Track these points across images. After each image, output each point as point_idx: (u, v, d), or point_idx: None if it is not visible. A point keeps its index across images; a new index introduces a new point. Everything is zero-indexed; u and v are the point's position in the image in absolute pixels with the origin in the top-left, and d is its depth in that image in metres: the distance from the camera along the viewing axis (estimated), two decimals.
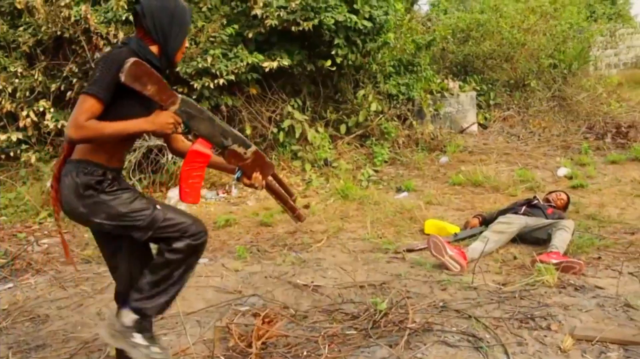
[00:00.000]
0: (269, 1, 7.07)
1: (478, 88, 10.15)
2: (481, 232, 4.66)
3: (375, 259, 4.44)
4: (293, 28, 7.14)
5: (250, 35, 7.29)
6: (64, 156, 2.47)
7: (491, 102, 10.18)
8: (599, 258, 4.21)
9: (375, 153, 7.77)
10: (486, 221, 4.98)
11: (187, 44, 2.62)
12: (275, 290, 3.93)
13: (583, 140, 8.52)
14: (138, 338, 2.47)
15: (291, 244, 5.00)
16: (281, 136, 7.55)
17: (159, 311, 2.55)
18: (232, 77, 7.03)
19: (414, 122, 8.67)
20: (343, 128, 8.23)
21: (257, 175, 2.63)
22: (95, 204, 2.38)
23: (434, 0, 20.52)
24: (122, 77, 2.25)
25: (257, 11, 7.07)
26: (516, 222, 4.64)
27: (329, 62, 7.59)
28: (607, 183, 6.56)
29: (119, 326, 2.47)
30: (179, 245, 2.45)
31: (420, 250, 4.56)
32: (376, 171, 7.41)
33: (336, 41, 7.42)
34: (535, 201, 5.03)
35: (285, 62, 7.29)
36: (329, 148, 7.74)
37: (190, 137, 3.01)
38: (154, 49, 2.45)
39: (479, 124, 9.56)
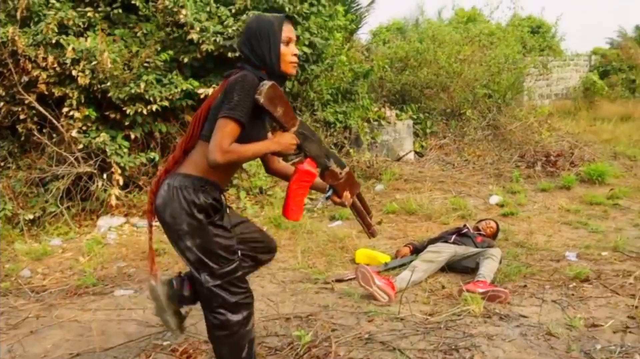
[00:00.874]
0: (205, 26, 7.00)
1: (415, 116, 10.31)
2: (411, 261, 4.66)
3: (304, 290, 4.36)
4: (229, 54, 7.08)
5: (185, 60, 7.19)
6: (167, 169, 2.58)
7: (428, 130, 10.35)
8: (525, 286, 4.25)
9: None
10: (417, 250, 4.98)
11: (291, 49, 2.59)
12: (198, 323, 3.79)
13: (515, 168, 8.72)
14: None
15: None
16: None
17: None
18: (166, 104, 6.91)
19: (351, 150, 8.70)
20: None
21: (347, 194, 2.77)
22: (199, 229, 2.47)
23: (375, 30, 20.98)
24: (261, 99, 2.38)
25: (193, 36, 6.99)
26: (445, 251, 4.66)
27: None
28: (537, 210, 6.70)
29: None
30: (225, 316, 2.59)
31: (349, 280, 4.51)
32: (311, 199, 7.37)
33: None
34: (465, 230, 5.07)
35: None
36: (265, 176, 7.66)
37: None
38: (263, 71, 2.53)
39: (416, 152, 9.68)
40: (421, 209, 6.56)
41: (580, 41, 38.00)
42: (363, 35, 23.85)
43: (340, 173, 2.74)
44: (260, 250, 3.01)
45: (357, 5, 16.12)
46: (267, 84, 2.40)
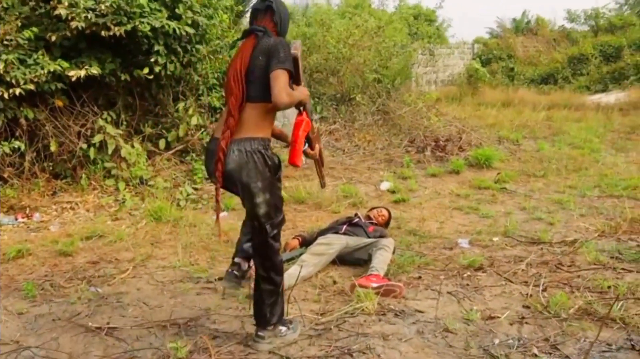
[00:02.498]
0: (75, 1, 6.34)
1: None
2: (301, 254, 4.38)
3: (184, 291, 3.97)
4: (103, 33, 6.46)
5: (53, 38, 6.49)
6: (231, 131, 2.84)
7: (318, 116, 10.10)
8: (419, 277, 4.07)
9: (195, 170, 7.28)
10: (307, 242, 4.70)
11: None
12: (62, 336, 3.32)
13: (405, 153, 8.67)
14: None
15: (91, 276, 4.37)
16: (92, 152, 6.82)
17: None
18: (32, 87, 6.24)
19: None
20: (162, 143, 7.65)
21: (317, 146, 3.27)
22: (270, 185, 2.88)
23: None
24: (299, 54, 2.89)
25: (61, 11, 6.30)
26: (336, 243, 4.40)
27: (145, 71, 7.00)
28: (428, 196, 6.63)
29: None
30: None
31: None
32: (196, 189, 6.93)
33: (155, 48, 6.86)
34: (356, 220, 4.84)
35: (94, 71, 6.60)
36: (146, 165, 7.13)
37: None
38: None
39: None
40: (311, 197, 6.29)
41: (462, 31, 39.41)
42: None
43: (315, 128, 3.17)
44: None
45: None
46: (299, 42, 2.97)
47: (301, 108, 3.04)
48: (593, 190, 6.71)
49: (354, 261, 4.39)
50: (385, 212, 5.19)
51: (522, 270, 4.15)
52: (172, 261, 4.59)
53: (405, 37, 13.49)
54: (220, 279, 4.11)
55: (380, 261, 4.09)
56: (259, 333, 3.06)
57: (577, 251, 4.56)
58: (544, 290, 3.73)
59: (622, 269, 4.12)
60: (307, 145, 3.10)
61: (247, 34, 3.02)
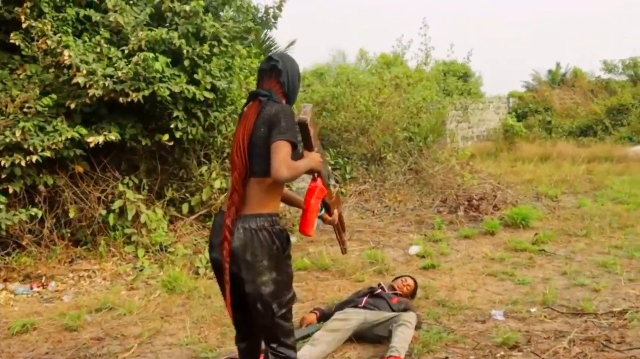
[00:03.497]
0: (93, 69, 6.28)
1: (333, 161, 9.80)
2: (317, 331, 4.01)
3: None
4: (121, 99, 6.37)
5: (72, 105, 6.42)
6: (236, 208, 2.68)
7: (347, 176, 9.85)
8: (446, 358, 3.65)
9: None
10: (325, 316, 4.33)
11: None
12: None
13: (437, 214, 8.29)
14: None
15: (94, 355, 4.08)
16: (111, 218, 6.64)
17: None
18: (49, 153, 6.14)
19: None
20: (185, 207, 7.45)
21: (336, 212, 3.05)
22: (277, 263, 2.68)
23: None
24: (307, 118, 2.66)
25: (80, 79, 6.25)
26: (354, 318, 4.02)
27: (166, 136, 6.88)
28: (459, 261, 6.20)
29: None
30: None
31: None
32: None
33: (175, 113, 6.75)
34: (379, 291, 4.47)
35: (113, 136, 6.49)
36: (166, 231, 6.91)
37: None
38: (284, 101, 2.80)
39: None
40: (335, 264, 5.93)
41: (496, 85, 39.25)
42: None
43: (333, 193, 2.99)
44: None
45: (275, 47, 15.74)
46: (309, 106, 2.74)
47: (315, 174, 2.83)
48: None
49: (373, 337, 4.00)
50: (410, 281, 4.80)
51: (564, 348, 3.69)
52: (180, 338, 4.27)
53: (436, 93, 13.23)
54: None
55: (401, 339, 3.69)
56: None
57: (627, 324, 4.08)
58: None
59: None
60: (323, 211, 2.92)
61: (252, 98, 2.83)
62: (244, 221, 2.65)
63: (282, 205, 3.03)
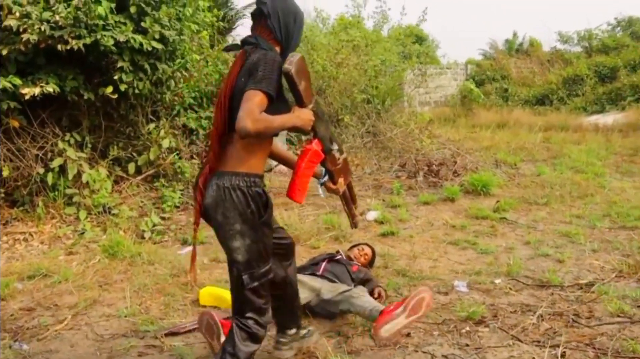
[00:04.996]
0: (27, 11, 5.71)
1: None
2: None
3: (125, 350, 3.28)
4: (60, 47, 5.83)
5: (4, 52, 5.85)
6: (211, 167, 2.51)
7: (303, 138, 9.48)
8: (409, 335, 3.38)
9: (165, 197, 6.61)
10: None
11: None
12: None
13: (395, 178, 8.03)
14: None
15: (22, 328, 3.68)
16: (50, 177, 6.16)
17: None
18: None
19: None
20: (132, 167, 7.00)
21: (341, 181, 2.78)
22: (251, 229, 2.44)
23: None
24: (292, 69, 2.37)
25: (11, 22, 5.68)
26: (308, 287, 3.70)
27: (110, 89, 6.35)
28: (419, 227, 5.95)
29: None
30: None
31: (188, 332, 3.47)
32: (164, 218, 6.25)
33: (120, 64, 6.23)
34: (338, 257, 4.16)
35: (50, 88, 5.95)
36: (110, 192, 6.46)
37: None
38: (277, 49, 2.53)
39: None
40: (289, 229, 5.56)
41: (452, 52, 39.13)
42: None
43: (339, 159, 2.73)
44: (281, 257, 2.86)
45: (231, 4, 15.14)
46: (297, 56, 2.45)
47: (311, 135, 2.63)
48: (603, 220, 6.03)
49: (323, 312, 3.69)
50: (368, 250, 4.50)
51: (533, 324, 3.46)
52: (120, 309, 3.90)
53: (396, 56, 12.91)
54: (168, 334, 3.43)
55: (370, 301, 3.43)
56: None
57: (595, 297, 3.89)
58: (563, 355, 3.04)
59: None
60: (326, 177, 2.71)
61: (240, 48, 2.59)
62: (218, 178, 2.46)
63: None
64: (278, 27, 2.53)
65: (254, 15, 2.61)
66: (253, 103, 2.26)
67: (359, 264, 4.23)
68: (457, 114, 16.51)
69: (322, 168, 2.71)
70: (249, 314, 2.53)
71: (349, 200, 2.97)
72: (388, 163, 8.73)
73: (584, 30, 22.62)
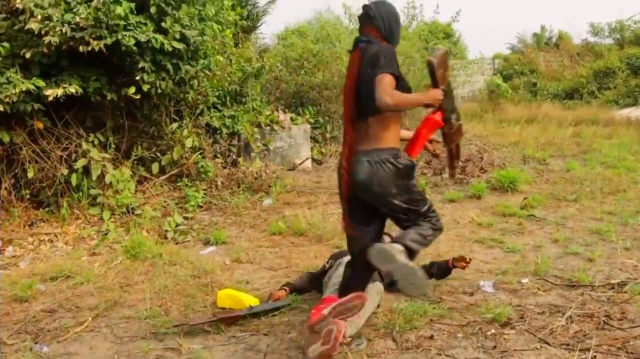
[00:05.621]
0: (48, 14, 5.74)
1: (313, 120, 9.36)
2: (288, 304, 3.64)
3: (144, 353, 3.24)
4: (81, 48, 5.86)
5: (28, 55, 5.89)
6: (350, 148, 3.09)
7: (328, 135, 9.43)
8: (432, 337, 3.28)
9: (188, 197, 6.59)
10: (295, 290, 3.95)
11: None
12: None
13: (421, 175, 7.89)
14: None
15: (43, 329, 3.68)
16: (74, 178, 6.19)
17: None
18: (2, 107, 5.63)
19: (240, 159, 7.62)
20: (156, 167, 7.01)
21: (455, 142, 3.44)
22: (405, 187, 3.06)
23: (282, 34, 19.94)
24: (435, 61, 3.03)
25: (33, 25, 5.72)
26: None
27: (132, 89, 6.37)
28: (445, 225, 5.73)
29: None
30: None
31: (197, 324, 3.44)
32: (187, 218, 6.23)
33: (141, 64, 6.23)
34: None
35: (73, 89, 5.98)
36: (133, 192, 6.47)
37: None
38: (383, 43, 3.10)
39: (314, 160, 8.72)
40: (312, 229, 5.52)
41: (480, 47, 38.70)
42: (266, 38, 22.78)
43: (454, 125, 3.28)
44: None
45: (254, 3, 15.11)
46: (441, 50, 3.19)
47: (435, 108, 3.17)
48: (636, 216, 5.83)
49: None
50: (386, 238, 4.39)
51: (562, 326, 3.32)
52: (140, 310, 3.87)
53: (420, 52, 12.75)
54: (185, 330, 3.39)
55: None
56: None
57: (628, 298, 3.74)
58: None
59: None
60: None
61: (354, 47, 3.18)
62: (366, 156, 3.01)
63: None
64: (383, 26, 3.11)
65: (361, 18, 3.21)
66: (386, 82, 2.83)
67: None
68: (485, 109, 16.23)
69: None
70: (429, 214, 3.16)
71: (453, 155, 3.55)
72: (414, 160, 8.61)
73: (615, 22, 22.13)
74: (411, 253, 3.08)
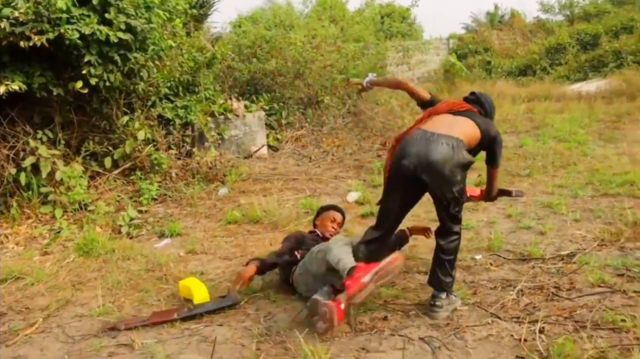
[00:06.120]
0: None
1: (268, 107, 9.29)
2: (234, 304, 3.59)
3: (95, 351, 3.18)
4: (22, 43, 5.68)
5: None
6: (425, 127, 3.45)
7: (283, 122, 9.37)
8: (385, 318, 3.30)
9: (142, 190, 6.49)
10: (266, 267, 3.87)
11: None
12: None
13: (376, 157, 7.92)
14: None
15: None
16: (22, 177, 6.02)
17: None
18: None
19: (195, 149, 7.53)
20: (108, 161, 6.86)
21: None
22: (462, 179, 3.38)
23: (236, 21, 19.69)
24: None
25: None
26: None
27: (80, 84, 6.21)
28: None
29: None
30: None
31: (128, 329, 3.38)
32: (142, 212, 6.14)
33: (87, 58, 6.08)
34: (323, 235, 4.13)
35: (16, 86, 5.79)
36: (85, 188, 6.33)
37: None
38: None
39: (270, 146, 8.67)
40: (267, 216, 5.49)
41: (436, 28, 39.01)
42: (218, 27, 22.47)
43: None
44: None
45: None
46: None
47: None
48: (585, 188, 5.97)
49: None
50: (337, 215, 4.41)
51: (513, 299, 3.39)
52: (92, 308, 3.80)
53: (373, 35, 12.75)
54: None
55: (343, 252, 3.38)
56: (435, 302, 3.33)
57: (576, 269, 3.82)
58: (542, 331, 2.97)
59: (634, 292, 3.38)
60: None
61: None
62: (446, 139, 3.26)
63: None
64: (485, 111, 3.85)
65: (472, 101, 3.84)
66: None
67: (331, 235, 4.15)
68: (441, 89, 16.33)
69: None
70: (455, 229, 3.42)
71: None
72: (369, 142, 8.63)
73: None
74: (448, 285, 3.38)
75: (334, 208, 4.54)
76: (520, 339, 2.92)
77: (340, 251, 3.37)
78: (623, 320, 3.00)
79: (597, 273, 3.65)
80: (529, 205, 5.61)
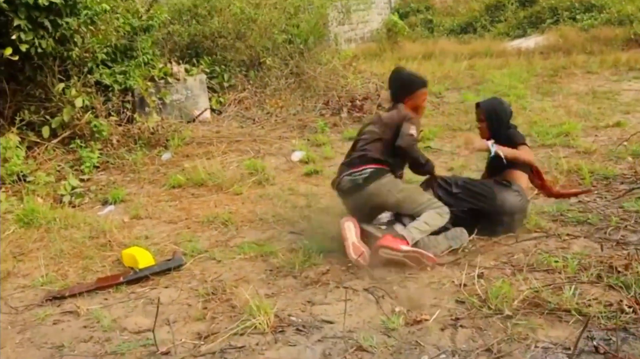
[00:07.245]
0: None
1: (209, 70, 9.14)
2: (180, 265, 3.59)
3: (39, 320, 3.14)
4: None
5: None
6: None
7: (225, 84, 9.24)
8: (328, 271, 3.36)
9: (83, 158, 6.34)
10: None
11: None
12: None
13: (319, 117, 7.92)
14: None
15: None
16: None
17: None
18: None
19: (136, 115, 7.37)
20: (46, 130, 6.66)
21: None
22: None
23: None
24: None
25: None
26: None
27: (9, 51, 5.97)
28: None
29: None
30: None
31: (90, 291, 3.37)
32: (83, 180, 6.01)
33: (16, 22, 5.84)
34: None
35: None
36: (23, 159, 6.14)
37: None
38: None
39: (213, 110, 8.55)
40: (211, 178, 5.45)
41: None
42: None
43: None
44: None
45: None
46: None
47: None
48: None
49: None
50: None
51: (455, 249, 3.51)
52: (35, 278, 3.74)
53: None
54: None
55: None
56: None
57: None
58: (480, 276, 3.09)
59: (567, 235, 3.54)
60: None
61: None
62: None
63: None
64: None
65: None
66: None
67: None
68: (383, 48, 16.36)
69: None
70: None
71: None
72: (312, 102, 8.61)
73: None
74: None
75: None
76: (460, 285, 3.02)
77: (432, 221, 3.56)
78: (556, 261, 3.14)
79: (534, 219, 3.80)
80: (470, 158, 5.73)
